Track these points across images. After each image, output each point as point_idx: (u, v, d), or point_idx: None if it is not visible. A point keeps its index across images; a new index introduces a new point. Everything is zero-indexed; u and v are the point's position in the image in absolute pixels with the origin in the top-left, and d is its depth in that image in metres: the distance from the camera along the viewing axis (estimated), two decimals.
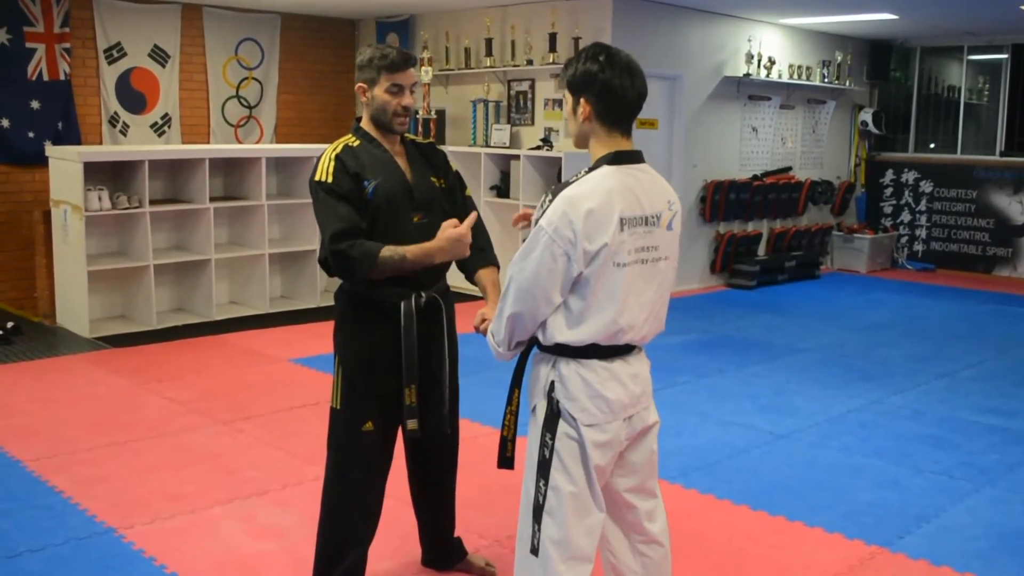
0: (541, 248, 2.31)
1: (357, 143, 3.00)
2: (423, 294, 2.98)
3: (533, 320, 2.39)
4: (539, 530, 2.42)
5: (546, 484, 2.41)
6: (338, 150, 2.96)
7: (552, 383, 2.41)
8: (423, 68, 9.10)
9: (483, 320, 2.76)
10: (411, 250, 2.85)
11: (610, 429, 2.41)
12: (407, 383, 2.94)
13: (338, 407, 3.05)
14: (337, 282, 3.11)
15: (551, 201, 2.33)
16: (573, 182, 2.35)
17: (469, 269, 3.14)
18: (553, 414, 2.40)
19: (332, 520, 3.09)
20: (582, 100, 2.40)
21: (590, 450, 2.39)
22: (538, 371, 2.46)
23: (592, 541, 2.45)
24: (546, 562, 2.41)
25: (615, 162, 2.38)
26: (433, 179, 3.11)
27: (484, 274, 3.13)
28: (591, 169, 2.38)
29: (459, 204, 3.18)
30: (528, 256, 2.34)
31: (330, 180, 2.89)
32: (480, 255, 3.12)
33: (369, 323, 2.98)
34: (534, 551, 2.42)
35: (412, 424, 2.96)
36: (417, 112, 9.24)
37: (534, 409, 2.47)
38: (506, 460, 2.62)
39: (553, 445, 2.40)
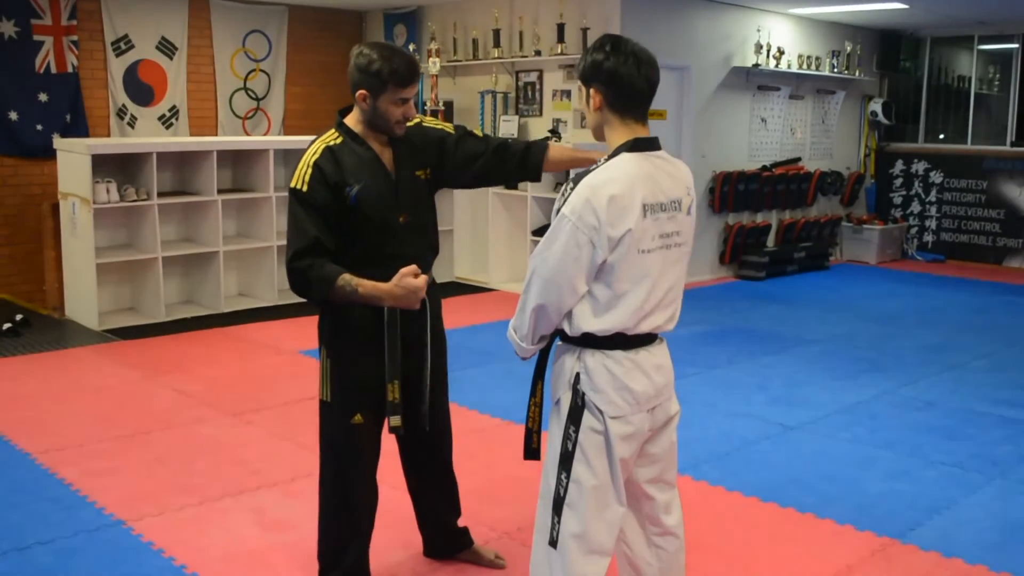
0: (565, 236, 2.29)
1: (339, 141, 2.90)
2: None
3: (558, 312, 2.37)
4: (559, 523, 2.41)
5: (568, 477, 2.40)
6: (317, 155, 2.84)
7: (577, 375, 2.39)
8: (431, 59, 9.08)
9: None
10: (364, 285, 2.76)
11: (635, 421, 2.40)
12: (390, 379, 2.90)
13: (327, 400, 3.01)
14: None
15: (572, 189, 2.32)
16: (594, 170, 2.34)
17: (534, 164, 3.10)
18: (578, 407, 2.38)
19: (332, 516, 3.07)
20: (592, 90, 2.42)
21: (615, 443, 2.38)
22: (563, 363, 2.44)
23: (612, 535, 2.44)
24: (565, 555, 2.41)
25: (634, 149, 2.38)
26: (419, 173, 3.00)
27: (553, 151, 3.12)
28: (610, 157, 2.37)
29: (470, 155, 3.11)
30: (551, 246, 2.32)
31: (305, 189, 2.80)
32: (533, 148, 3.12)
33: (354, 315, 2.92)
34: (552, 543, 2.42)
35: (395, 420, 2.92)
36: (425, 104, 9.23)
37: (558, 402, 2.45)
38: (532, 452, 2.63)
39: (577, 438, 2.38)
